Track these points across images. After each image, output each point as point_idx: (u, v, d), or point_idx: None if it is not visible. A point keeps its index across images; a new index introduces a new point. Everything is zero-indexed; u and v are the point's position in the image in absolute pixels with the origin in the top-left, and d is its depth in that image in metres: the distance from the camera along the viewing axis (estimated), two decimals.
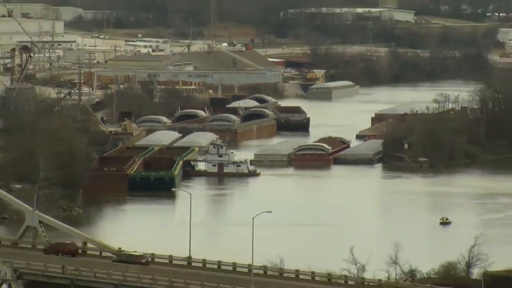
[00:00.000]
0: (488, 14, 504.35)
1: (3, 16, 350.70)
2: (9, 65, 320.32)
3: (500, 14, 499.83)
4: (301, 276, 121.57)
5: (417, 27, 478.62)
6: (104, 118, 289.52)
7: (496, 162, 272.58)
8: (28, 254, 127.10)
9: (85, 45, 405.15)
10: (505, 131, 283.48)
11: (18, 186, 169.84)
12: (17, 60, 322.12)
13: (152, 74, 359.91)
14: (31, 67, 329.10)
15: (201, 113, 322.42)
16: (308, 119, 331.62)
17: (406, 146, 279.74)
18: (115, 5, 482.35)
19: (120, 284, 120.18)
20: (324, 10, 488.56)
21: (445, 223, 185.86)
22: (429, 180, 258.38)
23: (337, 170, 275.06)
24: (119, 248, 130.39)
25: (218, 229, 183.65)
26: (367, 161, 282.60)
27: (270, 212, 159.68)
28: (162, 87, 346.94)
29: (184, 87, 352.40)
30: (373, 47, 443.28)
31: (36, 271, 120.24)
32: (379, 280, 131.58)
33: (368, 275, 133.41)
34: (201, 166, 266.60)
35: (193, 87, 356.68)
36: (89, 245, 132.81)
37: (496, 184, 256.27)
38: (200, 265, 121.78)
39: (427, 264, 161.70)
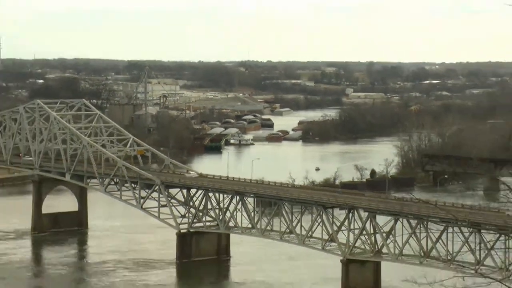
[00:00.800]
0: (342, 82, 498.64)
1: (156, 83, 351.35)
2: (157, 102, 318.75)
3: (347, 83, 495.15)
4: (270, 183, 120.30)
5: (315, 88, 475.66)
6: (194, 122, 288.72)
7: (347, 139, 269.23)
8: (167, 175, 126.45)
9: (188, 95, 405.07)
10: (350, 128, 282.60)
11: (161, 148, 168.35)
12: (161, 100, 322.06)
13: (213, 106, 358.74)
14: (166, 103, 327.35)
15: (231, 121, 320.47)
16: (273, 123, 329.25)
17: (311, 133, 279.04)
18: (200, 78, 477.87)
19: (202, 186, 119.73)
20: (279, 81, 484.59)
21: (317, 169, 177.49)
22: (320, 148, 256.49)
23: (284, 143, 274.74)
24: (201, 173, 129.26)
25: (238, 164, 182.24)
26: (296, 139, 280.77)
27: (258, 159, 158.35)
28: (217, 111, 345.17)
29: (225, 111, 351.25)
30: (298, 96, 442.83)
31: (174, 181, 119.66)
32: (301, 185, 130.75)
33: (296, 183, 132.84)
34: (232, 141, 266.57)
35: (229, 110, 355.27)
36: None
37: (347, 148, 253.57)
38: (232, 179, 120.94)
39: (318, 179, 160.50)
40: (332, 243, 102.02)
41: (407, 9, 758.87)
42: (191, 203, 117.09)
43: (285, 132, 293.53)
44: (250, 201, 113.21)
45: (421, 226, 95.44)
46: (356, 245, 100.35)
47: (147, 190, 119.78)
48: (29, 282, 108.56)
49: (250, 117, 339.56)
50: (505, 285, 25.69)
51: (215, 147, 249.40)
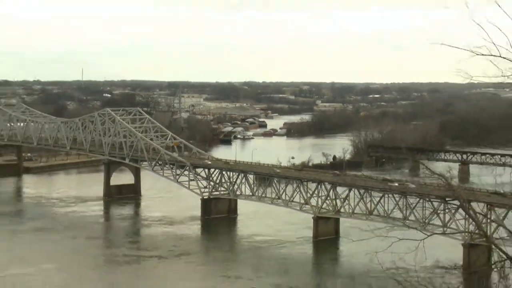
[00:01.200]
0: (313, 96, 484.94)
1: (187, 97, 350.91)
2: (188, 110, 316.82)
3: (316, 96, 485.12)
4: (264, 165, 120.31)
5: (295, 100, 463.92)
6: (213, 123, 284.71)
7: (317, 135, 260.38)
8: (195, 159, 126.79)
9: (208, 105, 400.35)
10: (319, 127, 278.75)
11: (190, 141, 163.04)
12: (190, 108, 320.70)
13: (226, 112, 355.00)
14: (194, 110, 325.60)
15: (238, 122, 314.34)
16: (266, 124, 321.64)
17: (292, 131, 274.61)
18: (216, 93, 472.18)
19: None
20: (271, 95, 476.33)
21: (292, 158, 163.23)
22: (298, 141, 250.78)
23: (274, 138, 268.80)
24: (217, 158, 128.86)
25: (242, 152, 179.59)
26: (282, 135, 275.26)
27: (256, 148, 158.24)
28: (228, 115, 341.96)
29: (234, 115, 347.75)
30: (284, 105, 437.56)
31: (199, 163, 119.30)
32: (285, 166, 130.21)
33: (282, 164, 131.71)
34: (238, 136, 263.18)
35: (236, 115, 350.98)
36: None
37: (317, 141, 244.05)
38: (238, 162, 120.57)
39: (297, 162, 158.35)
40: (307, 206, 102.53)
41: (359, 47, 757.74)
42: (211, 178, 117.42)
43: (275, 130, 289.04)
44: (250, 177, 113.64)
45: (367, 194, 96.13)
46: (323, 207, 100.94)
47: (180, 169, 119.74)
48: (101, 230, 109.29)
49: (250, 120, 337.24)
50: (422, 232, 26.17)
51: (227, 140, 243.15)
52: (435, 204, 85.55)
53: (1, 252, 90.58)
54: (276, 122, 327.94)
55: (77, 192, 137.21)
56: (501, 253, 13.43)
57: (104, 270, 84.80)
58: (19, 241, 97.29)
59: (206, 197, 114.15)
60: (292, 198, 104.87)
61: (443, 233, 71.43)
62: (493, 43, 11.37)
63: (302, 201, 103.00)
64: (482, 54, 11.87)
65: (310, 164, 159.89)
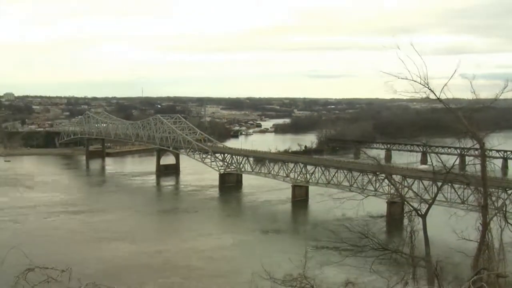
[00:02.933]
0: (292, 107, 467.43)
1: (209, 107, 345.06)
2: (210, 116, 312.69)
3: (294, 107, 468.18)
4: (260, 151, 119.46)
5: (280, 109, 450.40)
6: (226, 125, 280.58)
7: (295, 132, 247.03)
8: (215, 147, 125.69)
9: (223, 112, 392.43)
10: (296, 127, 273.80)
11: (211, 136, 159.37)
12: (211, 115, 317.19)
13: (235, 117, 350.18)
14: (214, 115, 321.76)
15: (243, 123, 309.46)
16: (261, 125, 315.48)
17: (278, 129, 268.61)
18: (228, 105, 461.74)
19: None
20: (265, 106, 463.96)
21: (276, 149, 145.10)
22: (282, 136, 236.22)
23: (267, 134, 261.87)
24: (229, 147, 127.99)
25: (245, 143, 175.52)
26: (272, 132, 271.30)
27: (255, 141, 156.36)
28: (236, 119, 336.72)
29: (240, 119, 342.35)
30: (273, 113, 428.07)
31: (217, 150, 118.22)
32: (273, 152, 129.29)
33: (271, 151, 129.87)
34: (243, 133, 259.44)
35: (242, 119, 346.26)
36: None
37: (295, 136, 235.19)
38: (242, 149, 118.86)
39: (281, 149, 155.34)
40: (287, 178, 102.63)
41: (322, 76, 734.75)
42: (225, 160, 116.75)
43: (267, 129, 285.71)
44: (251, 159, 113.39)
45: (327, 170, 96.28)
46: (298, 178, 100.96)
47: (205, 154, 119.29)
48: (154, 192, 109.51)
49: (251, 122, 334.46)
50: (361, 194, 26.55)
51: (236, 135, 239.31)
52: (370, 176, 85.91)
53: (93, 204, 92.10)
54: (267, 124, 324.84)
55: (138, 168, 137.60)
56: (409, 207, 14.12)
57: (155, 216, 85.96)
58: (103, 198, 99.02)
59: (222, 172, 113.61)
60: (278, 173, 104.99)
61: (375, 195, 71.83)
62: (408, 71, 12.37)
63: (285, 175, 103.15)
64: (402, 78, 12.93)
65: (290, 151, 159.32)
